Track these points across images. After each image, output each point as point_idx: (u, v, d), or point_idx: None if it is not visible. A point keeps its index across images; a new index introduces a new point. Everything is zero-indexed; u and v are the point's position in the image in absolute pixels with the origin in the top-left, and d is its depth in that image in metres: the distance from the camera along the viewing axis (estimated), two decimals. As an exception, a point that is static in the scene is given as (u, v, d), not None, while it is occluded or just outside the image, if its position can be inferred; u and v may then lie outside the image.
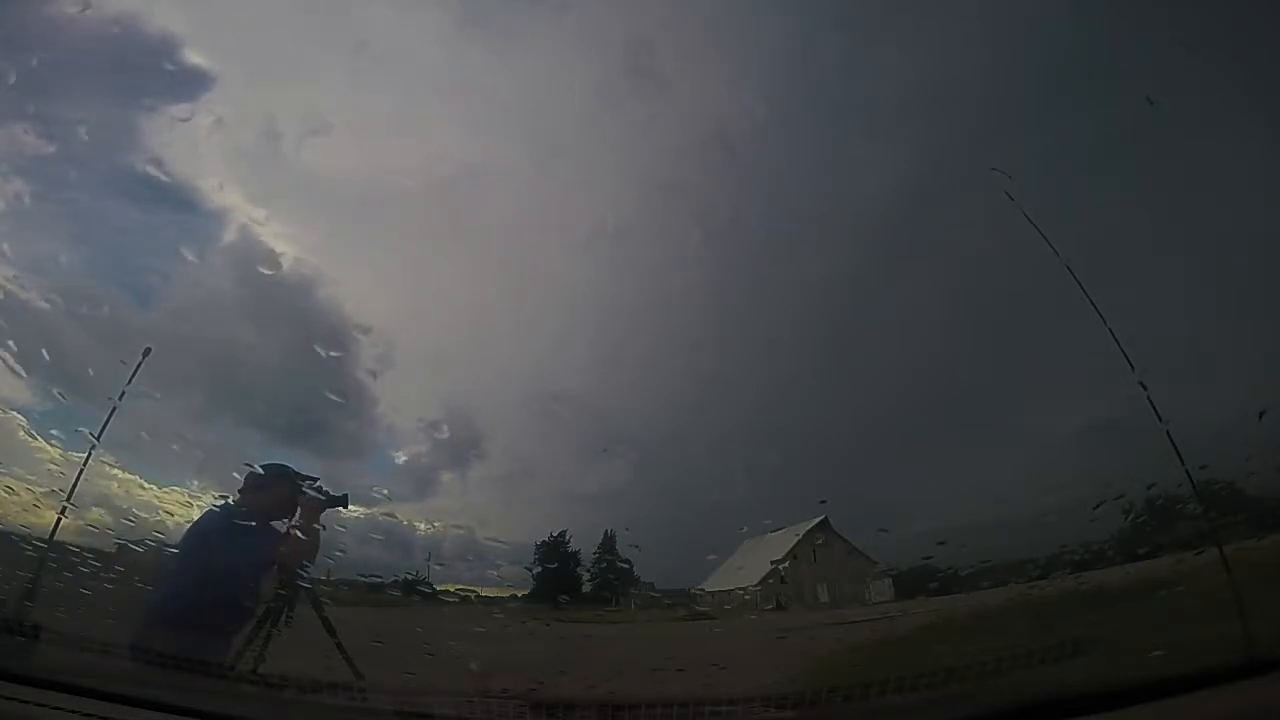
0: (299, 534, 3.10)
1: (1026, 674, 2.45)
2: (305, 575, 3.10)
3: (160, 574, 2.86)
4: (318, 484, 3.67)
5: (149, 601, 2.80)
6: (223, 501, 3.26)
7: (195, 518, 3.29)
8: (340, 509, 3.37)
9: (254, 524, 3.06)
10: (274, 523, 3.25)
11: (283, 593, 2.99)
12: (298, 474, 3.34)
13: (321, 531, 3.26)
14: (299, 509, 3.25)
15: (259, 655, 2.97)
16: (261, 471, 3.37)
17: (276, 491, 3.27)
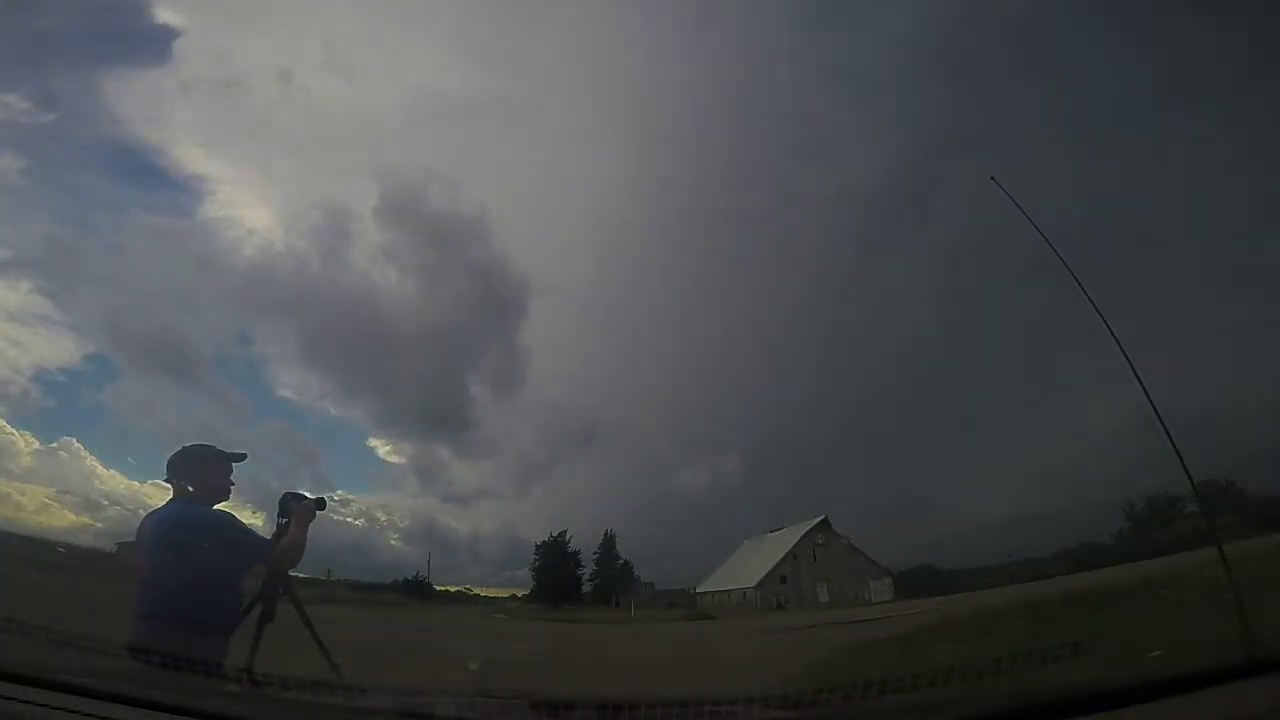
0: (291, 536, 3.06)
1: (1026, 674, 2.45)
2: (287, 573, 3.06)
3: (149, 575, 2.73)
4: (295, 487, 3.60)
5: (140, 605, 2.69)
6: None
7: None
8: (317, 511, 3.30)
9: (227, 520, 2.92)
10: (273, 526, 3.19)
11: (268, 591, 2.96)
12: (224, 453, 3.13)
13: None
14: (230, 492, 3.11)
15: (259, 655, 2.96)
16: (195, 453, 3.11)
17: (214, 474, 3.09)
